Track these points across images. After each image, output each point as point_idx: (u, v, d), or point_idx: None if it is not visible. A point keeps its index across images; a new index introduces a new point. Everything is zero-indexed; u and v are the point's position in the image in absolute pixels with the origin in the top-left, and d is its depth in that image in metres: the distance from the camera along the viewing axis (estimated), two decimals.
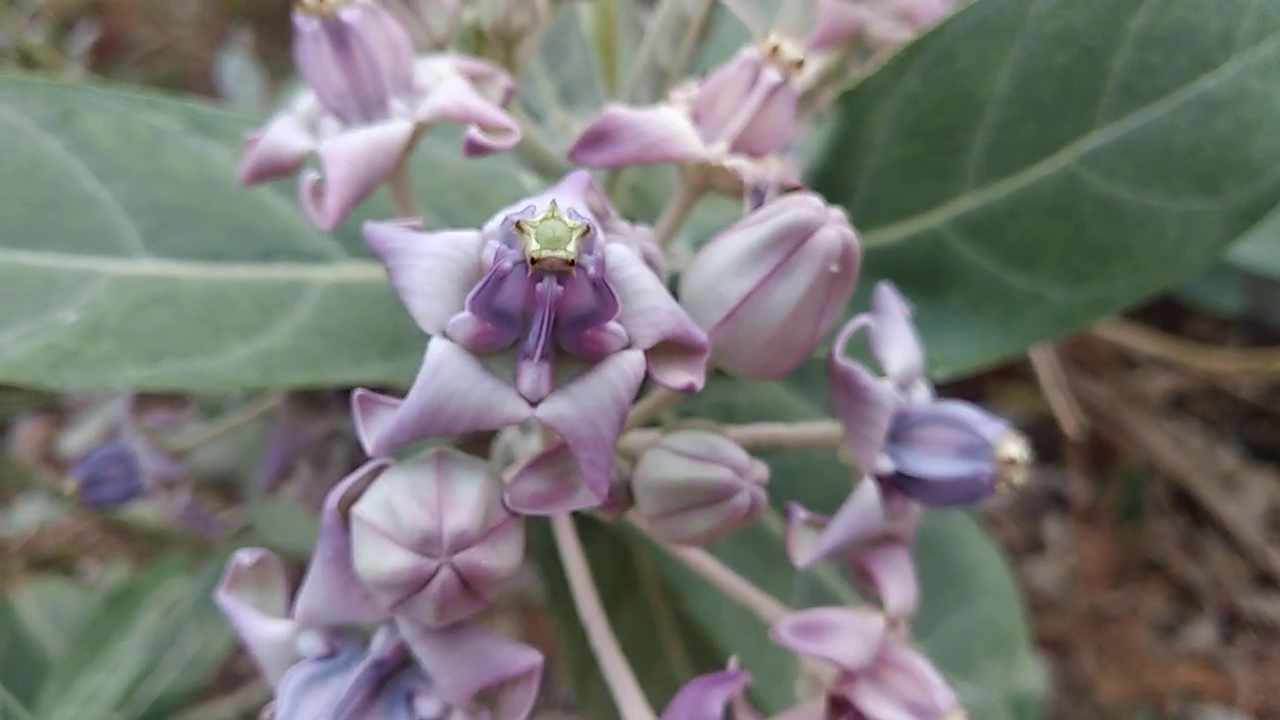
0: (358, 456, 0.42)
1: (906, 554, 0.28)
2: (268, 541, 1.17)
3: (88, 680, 0.94)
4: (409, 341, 0.37)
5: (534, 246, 0.18)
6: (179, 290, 0.35)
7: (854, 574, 0.28)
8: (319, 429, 0.41)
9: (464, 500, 0.20)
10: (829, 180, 0.38)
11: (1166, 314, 2.21)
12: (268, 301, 0.36)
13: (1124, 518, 2.00)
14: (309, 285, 0.37)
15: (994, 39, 0.36)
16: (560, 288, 0.19)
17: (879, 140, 0.38)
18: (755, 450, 0.27)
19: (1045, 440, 2.20)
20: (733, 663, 0.25)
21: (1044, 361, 1.42)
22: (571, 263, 0.18)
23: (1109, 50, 0.36)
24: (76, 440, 1.31)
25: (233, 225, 0.37)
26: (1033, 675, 0.60)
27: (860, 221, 0.40)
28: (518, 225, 0.18)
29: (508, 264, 0.18)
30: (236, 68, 1.57)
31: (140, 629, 0.98)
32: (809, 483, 0.42)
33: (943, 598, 0.51)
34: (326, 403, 0.41)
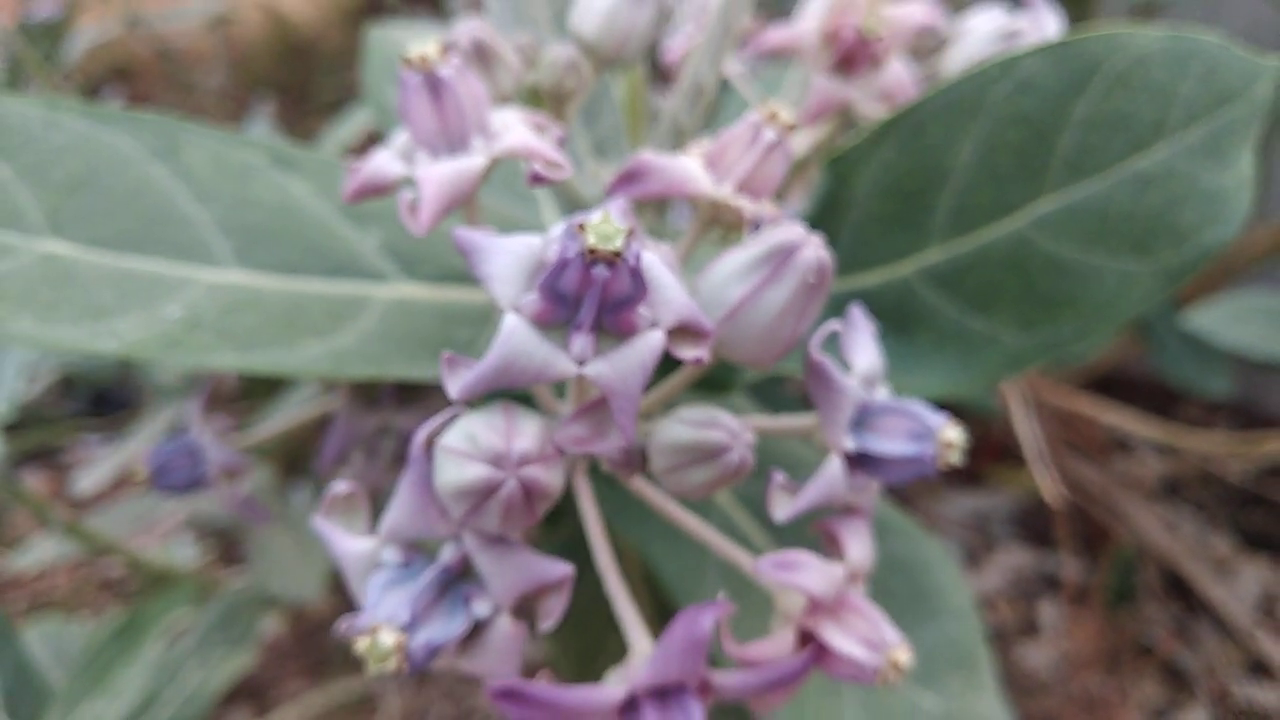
0: (402, 449, 0.48)
1: (866, 524, 0.34)
2: (262, 582, 1.21)
3: (90, 706, 0.95)
4: (454, 348, 0.43)
5: (592, 240, 0.25)
6: (263, 297, 0.41)
7: (824, 540, 0.34)
8: (372, 424, 0.47)
9: (527, 431, 0.27)
10: (817, 231, 0.45)
11: (1158, 398, 2.28)
12: (337, 310, 0.42)
13: (1116, 601, 2.03)
14: (372, 299, 0.43)
15: (958, 118, 0.42)
16: (608, 273, 0.25)
17: (859, 198, 0.44)
18: None
19: (1040, 523, 2.25)
20: (721, 595, 0.31)
21: (1027, 435, 1.48)
22: (618, 254, 0.25)
23: (1056, 131, 0.42)
24: (89, 481, 1.35)
25: (307, 246, 0.44)
26: (990, 697, 0.65)
27: (842, 267, 0.46)
28: (580, 226, 0.25)
29: (571, 254, 0.25)
30: (259, 132, 1.66)
31: (144, 658, 0.99)
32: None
33: (910, 615, 0.55)
34: (379, 401, 0.47)
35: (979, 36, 0.49)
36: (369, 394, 0.47)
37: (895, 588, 0.56)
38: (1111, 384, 2.32)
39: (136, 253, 0.40)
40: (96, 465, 1.33)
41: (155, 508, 1.20)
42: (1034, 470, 1.42)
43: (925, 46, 0.52)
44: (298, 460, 0.99)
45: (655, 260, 0.28)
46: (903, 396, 0.44)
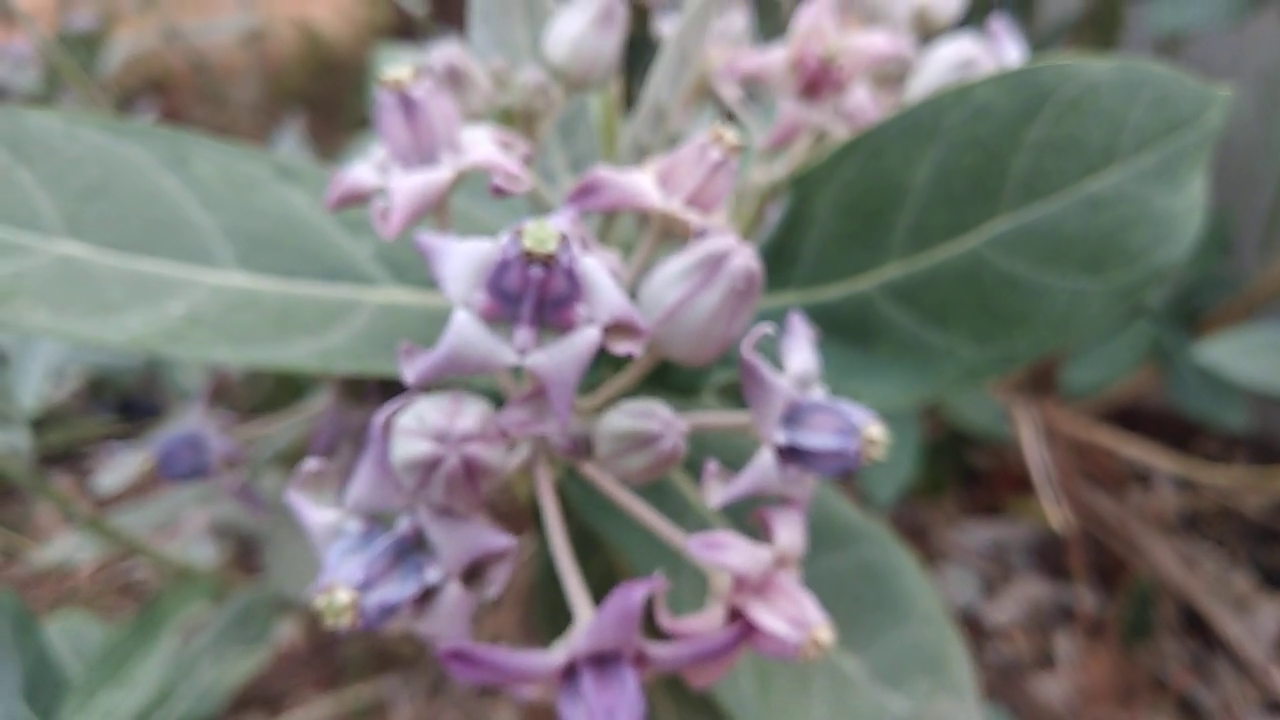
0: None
1: (799, 514, 0.36)
2: (278, 584, 1.24)
3: (107, 697, 0.97)
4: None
5: (528, 244, 0.28)
6: (261, 298, 0.44)
7: (760, 529, 0.37)
8: (358, 419, 0.50)
9: (470, 414, 0.30)
10: (782, 248, 0.47)
11: (1177, 431, 2.27)
12: (329, 311, 0.45)
13: (1132, 636, 2.02)
14: (362, 302, 0.46)
15: (915, 141, 0.45)
16: (544, 273, 0.28)
17: (822, 217, 0.46)
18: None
19: (1057, 555, 2.24)
20: (658, 573, 0.33)
21: (1037, 463, 1.49)
22: (552, 256, 0.28)
23: (1009, 155, 0.44)
24: (111, 480, 1.40)
25: (305, 252, 0.47)
26: (962, 700, 0.66)
27: (805, 282, 0.49)
28: (519, 231, 0.28)
29: (511, 255, 0.28)
30: (289, 146, 1.72)
31: (161, 653, 1.02)
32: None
33: (880, 620, 0.57)
34: (366, 398, 0.50)
35: (940, 65, 0.52)
36: (356, 391, 0.50)
37: (865, 594, 0.58)
38: (1130, 416, 2.31)
39: (146, 255, 0.44)
40: (119, 466, 1.38)
41: (175, 510, 1.24)
42: (1042, 498, 1.43)
43: (892, 74, 0.55)
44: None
45: (594, 264, 0.31)
46: (864, 404, 0.47)
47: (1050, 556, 2.31)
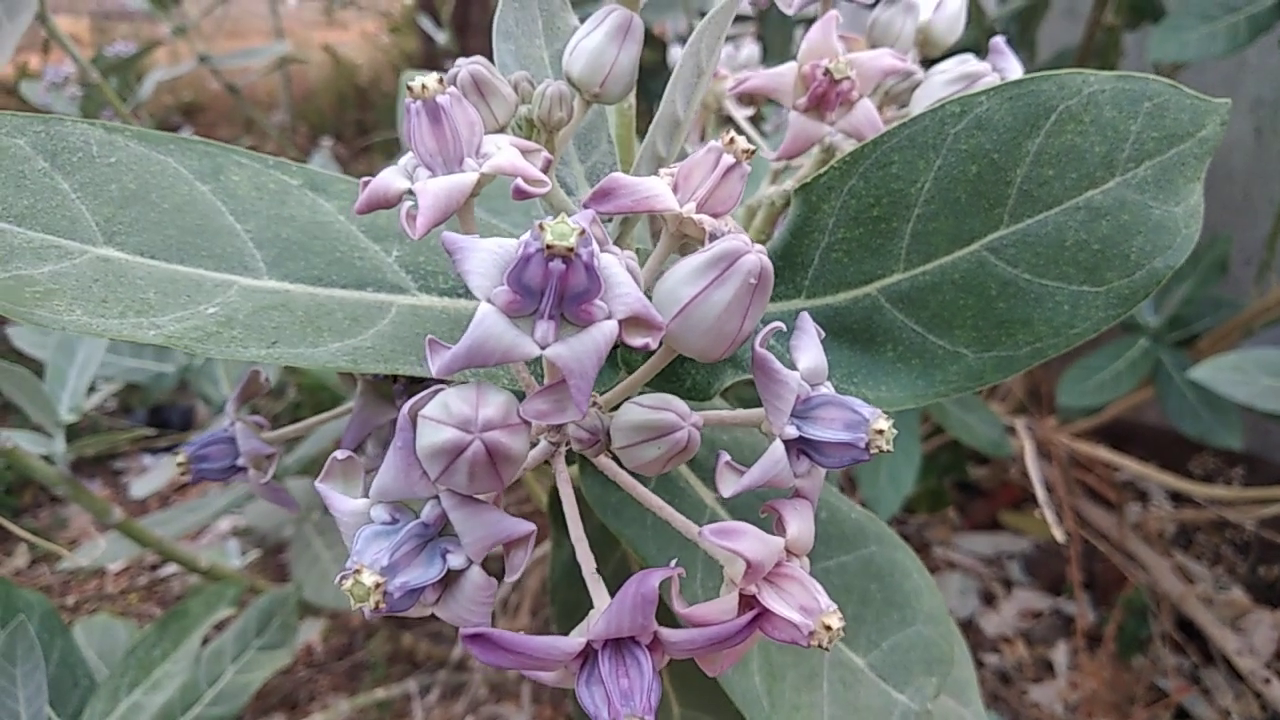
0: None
1: (810, 507, 0.38)
2: (303, 588, 1.25)
3: (132, 696, 0.99)
4: None
5: (549, 238, 0.29)
6: (291, 301, 0.46)
7: (774, 522, 0.38)
8: (384, 418, 0.51)
9: (493, 402, 0.31)
10: (790, 254, 0.49)
11: (1177, 448, 2.27)
12: (357, 314, 0.46)
13: (1129, 647, 2.03)
14: (389, 306, 0.48)
15: (920, 152, 0.46)
16: (564, 267, 0.30)
17: (829, 225, 0.48)
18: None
19: (1057, 567, 2.24)
20: (673, 562, 0.35)
21: (1036, 476, 1.51)
22: (571, 250, 0.29)
23: (1012, 165, 0.46)
24: (145, 486, 1.42)
25: (333, 259, 0.49)
26: (964, 697, 0.67)
27: (813, 289, 0.50)
28: (541, 226, 0.30)
29: (532, 250, 0.30)
30: (319, 165, 1.75)
31: (187, 653, 1.03)
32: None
33: (887, 620, 0.59)
34: (392, 399, 0.52)
35: (944, 79, 0.54)
36: (383, 391, 0.52)
37: (873, 595, 0.59)
38: (1130, 433, 2.33)
39: (180, 260, 0.45)
40: (152, 473, 1.40)
41: (204, 517, 1.26)
42: (1042, 512, 1.44)
43: (899, 92, 0.57)
44: None
45: (612, 260, 0.32)
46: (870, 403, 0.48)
47: (1050, 569, 2.31)
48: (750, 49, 1.02)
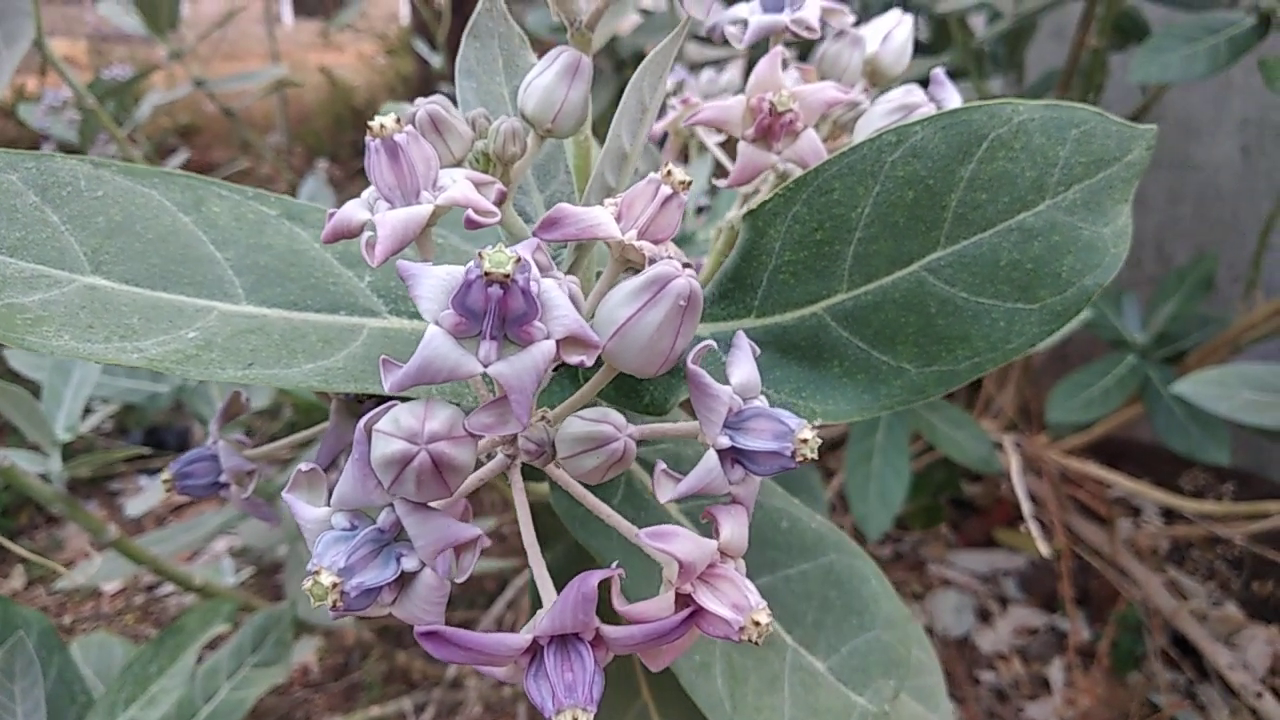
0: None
1: (744, 513, 0.41)
2: (297, 605, 1.27)
3: (128, 712, 1.01)
4: None
5: (487, 265, 0.32)
6: (267, 325, 0.48)
7: (712, 527, 0.41)
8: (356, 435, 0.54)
9: (439, 416, 0.34)
10: (740, 276, 0.51)
11: (1168, 464, 2.29)
12: (330, 336, 0.49)
13: (1124, 663, 2.04)
14: (361, 329, 0.50)
15: (859, 179, 0.49)
16: (502, 292, 0.33)
17: (775, 248, 0.50)
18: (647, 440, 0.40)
19: (1051, 584, 2.26)
20: (614, 565, 0.37)
21: (1023, 492, 1.53)
22: (508, 276, 0.32)
23: (946, 190, 0.48)
24: (139, 505, 1.45)
25: (309, 284, 0.51)
26: (928, 698, 0.69)
27: (762, 308, 0.53)
28: (480, 254, 0.33)
29: (473, 276, 0.33)
30: (311, 188, 1.79)
31: (183, 669, 1.05)
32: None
33: (846, 625, 0.61)
34: (363, 416, 0.55)
35: (883, 109, 0.57)
36: (354, 411, 0.55)
37: (832, 599, 0.61)
38: (1122, 449, 2.35)
39: (163, 287, 0.48)
40: (146, 493, 1.43)
41: (200, 536, 1.28)
42: (1028, 528, 1.47)
43: (847, 121, 0.60)
44: None
45: (552, 285, 0.35)
46: (819, 418, 0.51)
47: (1045, 586, 2.33)
48: (731, 74, 1.05)
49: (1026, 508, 1.49)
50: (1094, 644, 2.14)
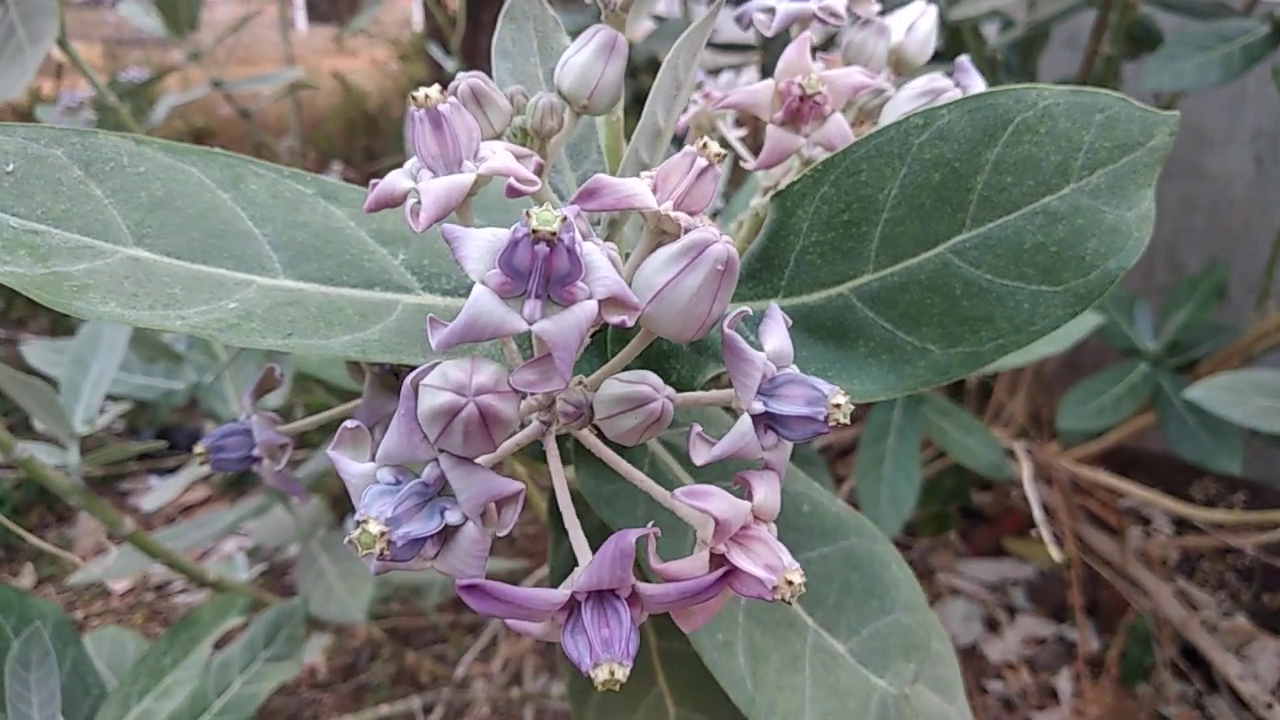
0: None
1: (776, 478, 0.41)
2: (310, 602, 1.28)
3: (142, 703, 1.01)
4: None
5: (534, 223, 0.33)
6: (305, 298, 0.49)
7: (745, 491, 0.42)
8: (391, 407, 0.55)
9: (485, 370, 0.35)
10: (768, 257, 0.52)
11: (1179, 473, 2.29)
12: (366, 311, 0.50)
13: (1133, 673, 2.03)
14: (396, 304, 0.51)
15: (886, 160, 0.49)
16: (549, 250, 0.34)
17: (803, 229, 0.51)
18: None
19: (1060, 594, 2.25)
20: (651, 524, 0.38)
21: (1034, 499, 1.53)
22: (554, 234, 0.33)
23: (972, 173, 0.48)
24: (155, 500, 1.46)
25: (344, 261, 0.52)
26: (943, 684, 0.70)
27: (789, 289, 0.54)
28: (528, 213, 0.34)
29: (520, 235, 0.34)
30: None
31: (196, 662, 1.06)
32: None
33: (866, 608, 0.62)
34: (397, 390, 0.56)
35: (910, 94, 0.58)
36: (388, 384, 0.56)
37: (853, 582, 0.62)
38: (1134, 458, 2.35)
39: (203, 260, 0.49)
40: (161, 488, 1.44)
41: (213, 532, 1.29)
42: (1041, 536, 1.47)
43: (872, 107, 0.61)
44: (347, 496, 1.08)
45: (594, 248, 0.36)
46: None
47: (1053, 596, 2.33)
48: (749, 75, 1.07)
49: (1038, 514, 1.49)
50: (1103, 654, 2.14)
